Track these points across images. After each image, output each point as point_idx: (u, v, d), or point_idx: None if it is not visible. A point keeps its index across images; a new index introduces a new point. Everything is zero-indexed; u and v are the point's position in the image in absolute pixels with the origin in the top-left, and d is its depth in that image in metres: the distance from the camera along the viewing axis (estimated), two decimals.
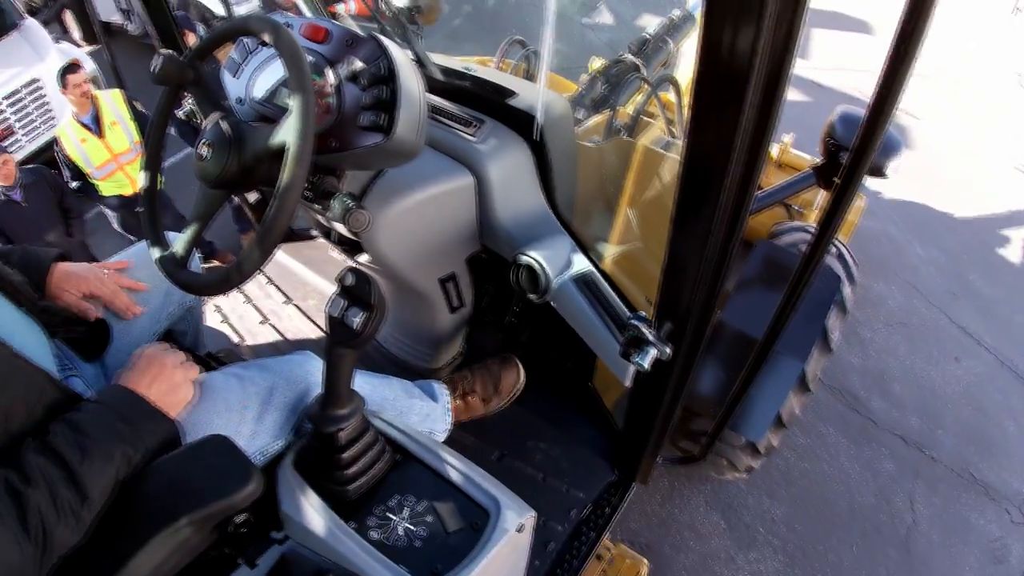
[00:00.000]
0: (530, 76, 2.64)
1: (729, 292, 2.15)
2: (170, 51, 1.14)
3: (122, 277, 1.38)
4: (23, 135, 5.44)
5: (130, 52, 7.08)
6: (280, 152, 0.99)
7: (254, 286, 2.40)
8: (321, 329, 1.96)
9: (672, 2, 2.94)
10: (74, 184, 4.04)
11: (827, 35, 7.50)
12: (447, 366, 1.98)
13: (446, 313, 1.79)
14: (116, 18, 8.79)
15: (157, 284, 1.40)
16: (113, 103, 4.01)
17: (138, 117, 4.09)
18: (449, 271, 1.71)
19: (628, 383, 1.49)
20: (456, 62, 1.81)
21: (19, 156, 5.18)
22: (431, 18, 2.18)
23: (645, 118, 2.53)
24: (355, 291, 1.03)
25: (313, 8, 1.98)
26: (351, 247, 1.59)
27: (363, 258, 1.57)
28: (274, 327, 2.22)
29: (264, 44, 1.30)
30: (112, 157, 4.00)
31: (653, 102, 2.56)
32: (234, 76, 1.34)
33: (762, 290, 2.18)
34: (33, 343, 1.08)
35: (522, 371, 1.83)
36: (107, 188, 4.08)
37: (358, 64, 1.15)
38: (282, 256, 2.48)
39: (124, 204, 4.19)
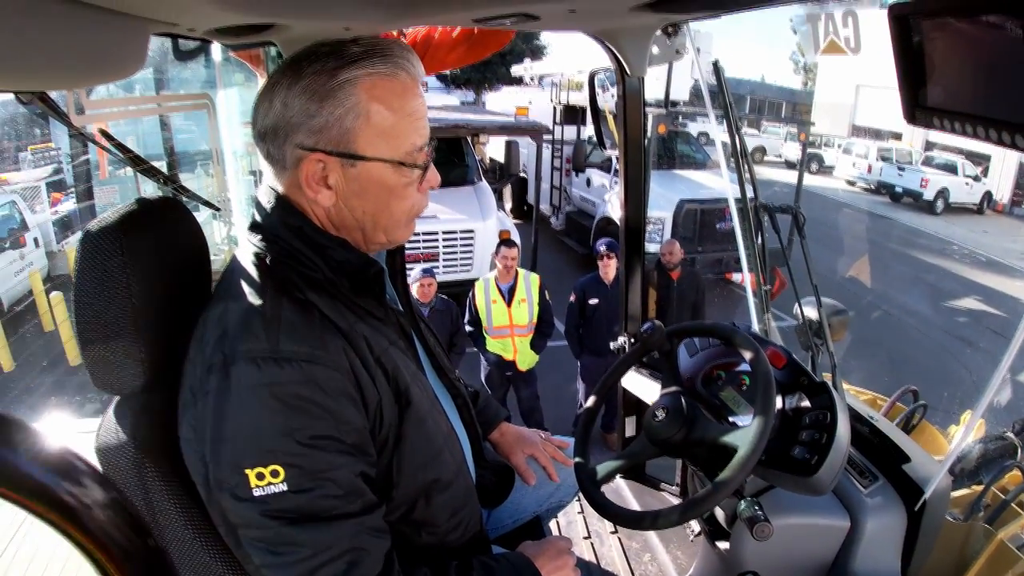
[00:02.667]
0: (910, 427, 2.63)
1: None
2: (660, 323, 1.45)
3: (555, 450, 1.60)
4: (442, 266, 6.79)
5: (546, 241, 8.46)
6: (723, 449, 1.20)
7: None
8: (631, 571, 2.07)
9: None
10: (469, 327, 4.84)
11: None
12: None
13: None
14: (545, 209, 10.62)
15: (560, 476, 1.62)
16: (529, 284, 4.77)
17: (543, 304, 4.80)
18: None
19: None
20: (859, 403, 1.93)
21: None
22: (837, 337, 2.34)
23: (1015, 506, 2.32)
24: None
25: None
26: (716, 531, 1.72)
27: (722, 545, 1.69)
28: (593, 547, 2.41)
29: (726, 344, 1.54)
30: (509, 325, 4.74)
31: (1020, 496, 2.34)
32: (690, 356, 1.60)
33: None
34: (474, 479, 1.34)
35: None
36: (492, 345, 4.81)
37: (806, 403, 1.35)
38: (628, 493, 2.64)
39: (498, 364, 4.88)
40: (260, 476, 0.87)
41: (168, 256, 1.07)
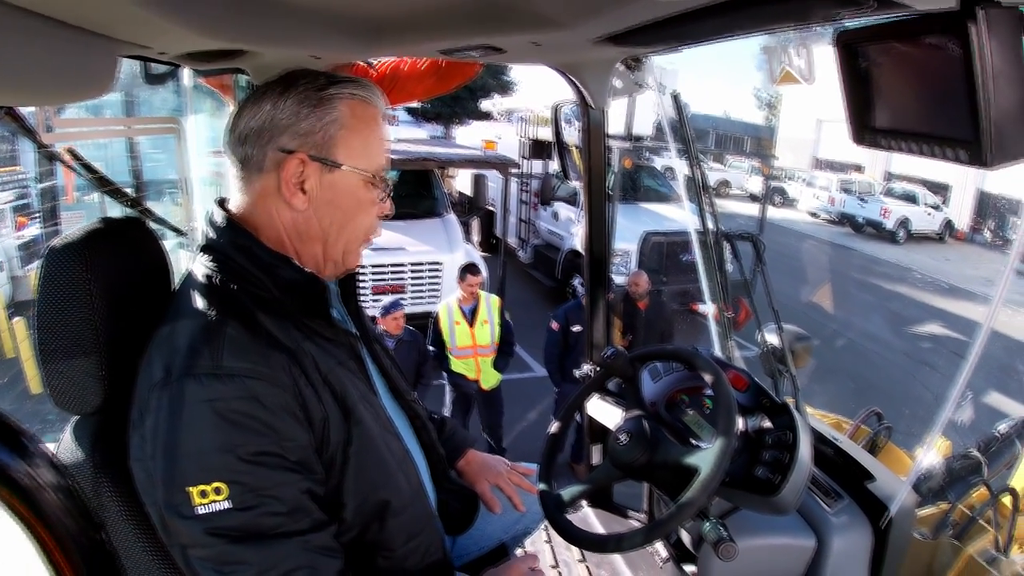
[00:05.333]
0: (875, 448, 2.68)
1: None
2: (623, 349, 1.48)
3: (521, 478, 1.58)
4: (410, 298, 6.78)
5: (514, 272, 8.51)
6: (686, 470, 1.22)
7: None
8: None
9: None
10: (431, 349, 4.95)
11: None
12: None
13: None
14: (513, 242, 10.72)
15: (526, 504, 1.63)
16: (490, 307, 5.00)
17: (504, 325, 5.03)
18: None
19: None
20: (822, 424, 1.97)
21: None
22: (800, 364, 2.39)
23: (982, 522, 2.37)
24: None
25: None
26: (683, 555, 1.73)
27: (689, 569, 1.70)
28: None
29: (687, 368, 1.56)
30: (472, 345, 4.92)
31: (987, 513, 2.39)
32: (653, 381, 1.62)
33: None
34: (432, 504, 1.34)
35: None
36: (456, 365, 4.96)
37: (768, 424, 1.37)
38: (595, 520, 2.63)
39: (463, 385, 5.02)
40: (203, 494, 0.88)
41: (132, 275, 1.08)
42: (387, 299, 5.01)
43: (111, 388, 1.02)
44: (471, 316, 4.91)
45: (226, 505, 0.89)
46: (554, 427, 1.57)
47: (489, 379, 5.06)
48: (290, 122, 1.01)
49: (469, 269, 4.99)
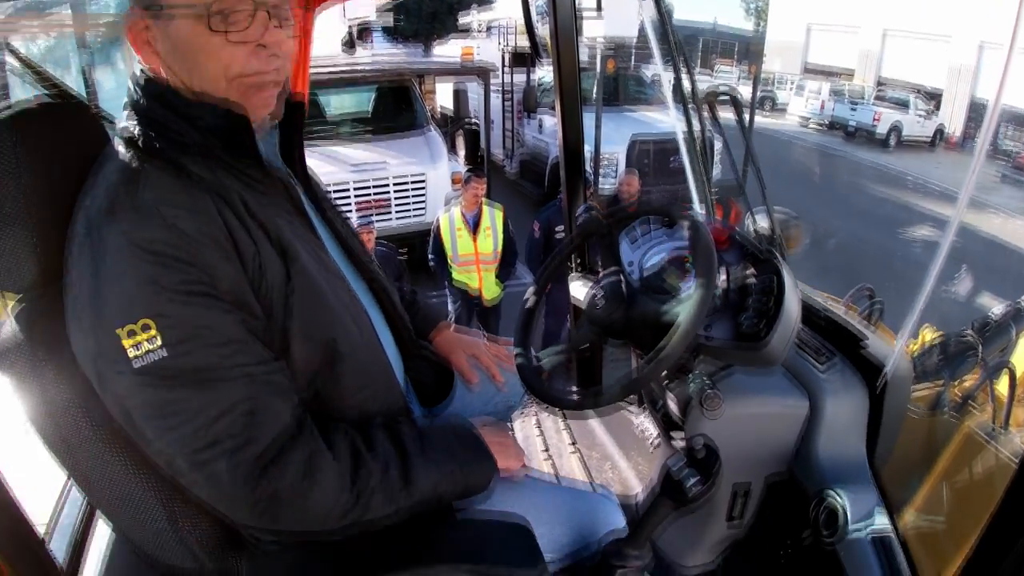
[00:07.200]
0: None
1: None
2: (596, 206, 1.38)
3: (500, 349, 1.54)
4: (395, 215, 6.64)
5: (500, 185, 8.36)
6: (665, 323, 1.14)
7: (550, 422, 2.62)
8: (592, 484, 2.06)
9: None
10: (431, 259, 4.88)
11: None
12: (692, 569, 1.92)
13: (722, 520, 1.77)
14: (499, 154, 10.55)
15: (505, 378, 1.57)
16: (494, 215, 4.83)
17: (507, 235, 4.89)
18: (747, 480, 1.71)
19: None
20: (812, 291, 1.89)
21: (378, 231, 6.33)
22: (791, 246, 2.31)
23: (971, 403, 2.35)
24: (701, 460, 1.10)
25: None
26: (670, 425, 1.68)
27: (678, 438, 1.65)
28: (553, 463, 2.38)
29: (667, 227, 1.49)
30: (475, 255, 4.78)
31: (985, 387, 2.37)
32: (632, 244, 1.54)
33: None
34: (397, 371, 1.28)
35: None
36: (457, 275, 4.86)
37: (750, 271, 1.29)
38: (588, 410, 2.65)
39: (465, 297, 4.94)
40: (131, 334, 0.84)
41: (70, 159, 1.02)
42: (352, 217, 4.84)
43: (48, 265, 0.97)
44: (474, 225, 4.76)
45: (157, 343, 0.84)
46: (529, 296, 1.49)
47: (491, 290, 4.97)
48: None
49: (474, 173, 4.83)
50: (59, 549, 1.24)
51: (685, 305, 1.13)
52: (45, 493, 1.40)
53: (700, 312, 1.10)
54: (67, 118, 1.08)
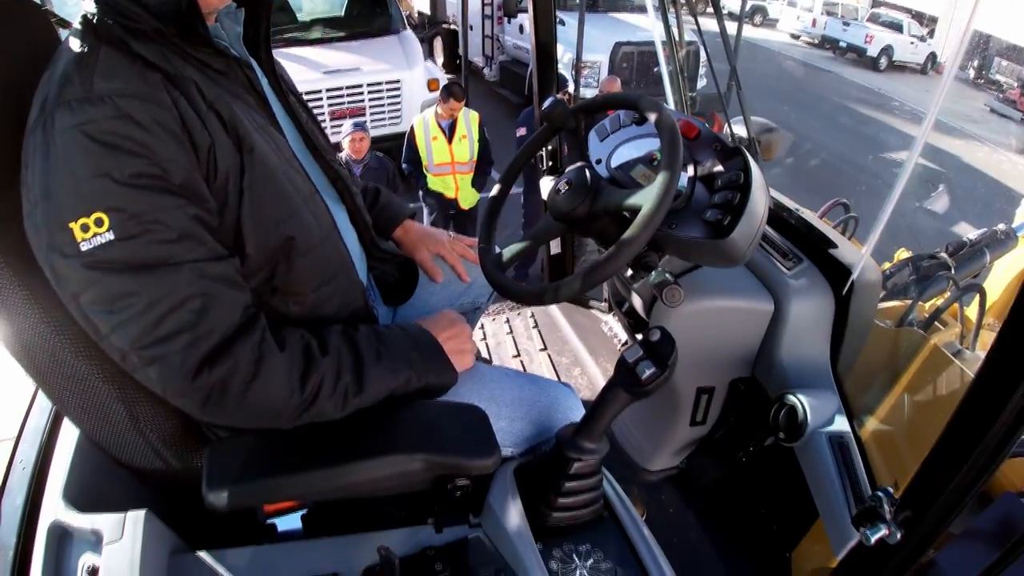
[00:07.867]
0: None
1: (954, 535, 1.91)
2: (562, 97, 1.32)
3: (465, 248, 1.54)
4: (370, 120, 6.39)
5: (479, 91, 8.08)
6: (630, 215, 1.10)
7: (521, 324, 2.63)
8: (561, 383, 2.10)
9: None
10: (405, 167, 4.79)
11: None
12: (658, 472, 1.97)
13: (686, 423, 1.80)
14: (478, 60, 10.18)
15: (472, 276, 1.57)
16: (469, 122, 4.73)
17: (483, 140, 4.81)
18: (711, 384, 1.73)
19: (840, 556, 1.39)
20: (785, 198, 1.87)
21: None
22: (768, 155, 2.27)
23: (937, 323, 2.38)
24: (657, 348, 1.09)
25: None
26: (636, 323, 1.67)
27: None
28: (523, 364, 2.40)
29: (637, 123, 1.44)
30: (451, 162, 4.72)
31: (954, 307, 2.40)
32: (600, 140, 1.48)
33: (987, 548, 1.91)
34: (360, 269, 1.27)
35: None
36: (433, 183, 4.79)
37: (719, 167, 1.25)
38: (556, 312, 2.66)
39: (440, 205, 4.88)
40: (85, 228, 0.83)
41: (12, 59, 0.98)
42: (348, 122, 4.71)
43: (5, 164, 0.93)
44: (449, 131, 4.67)
45: (109, 236, 0.83)
46: (495, 190, 1.44)
47: (467, 197, 4.91)
48: None
49: (452, 90, 4.65)
50: (27, 454, 1.24)
51: (649, 191, 1.09)
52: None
53: (665, 197, 1.06)
54: (15, 19, 1.02)
